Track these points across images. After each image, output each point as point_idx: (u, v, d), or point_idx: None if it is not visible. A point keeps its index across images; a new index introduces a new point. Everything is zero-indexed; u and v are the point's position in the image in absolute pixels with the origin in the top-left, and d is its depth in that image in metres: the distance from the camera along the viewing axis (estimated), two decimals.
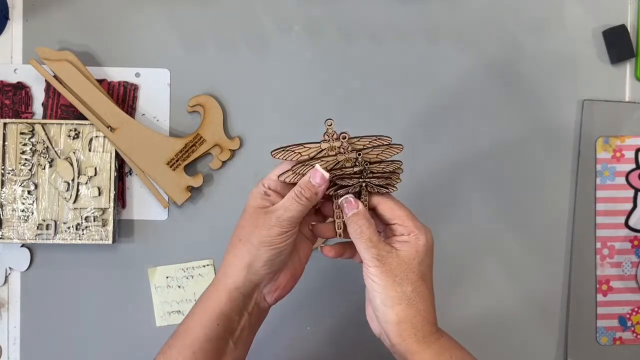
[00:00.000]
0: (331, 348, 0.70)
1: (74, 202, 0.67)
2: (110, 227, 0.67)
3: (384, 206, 0.50)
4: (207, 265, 0.69)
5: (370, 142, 0.50)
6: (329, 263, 0.68)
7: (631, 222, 0.71)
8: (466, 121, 0.71)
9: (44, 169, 0.67)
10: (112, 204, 0.67)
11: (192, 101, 0.69)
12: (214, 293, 0.49)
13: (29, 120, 0.67)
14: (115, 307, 0.69)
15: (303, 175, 0.49)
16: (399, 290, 0.47)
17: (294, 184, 0.49)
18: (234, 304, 0.49)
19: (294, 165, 0.49)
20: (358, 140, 0.50)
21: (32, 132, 0.67)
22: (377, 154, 0.50)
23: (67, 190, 0.67)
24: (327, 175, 0.48)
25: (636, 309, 0.71)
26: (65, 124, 0.67)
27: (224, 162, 0.69)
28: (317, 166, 0.49)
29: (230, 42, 0.70)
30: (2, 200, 0.67)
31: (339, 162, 0.50)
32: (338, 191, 0.50)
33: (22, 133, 0.67)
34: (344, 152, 0.49)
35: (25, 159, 0.67)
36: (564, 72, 0.72)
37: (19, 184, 0.67)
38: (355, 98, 0.70)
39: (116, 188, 0.67)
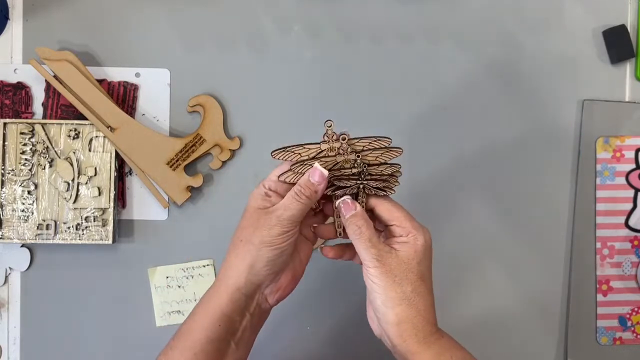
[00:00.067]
0: (331, 348, 0.70)
1: (74, 202, 0.67)
2: (110, 227, 0.67)
3: (382, 207, 0.50)
4: (207, 265, 0.69)
5: (369, 143, 0.50)
6: (329, 264, 0.68)
7: (631, 222, 0.71)
8: (466, 121, 0.71)
9: (44, 169, 0.67)
10: (112, 204, 0.67)
11: (192, 101, 0.69)
12: (215, 294, 0.49)
13: (29, 120, 0.67)
14: (115, 307, 0.69)
15: (303, 174, 0.49)
16: (399, 290, 0.47)
17: (294, 184, 0.49)
18: (236, 305, 0.49)
19: (293, 164, 0.50)
20: (358, 141, 0.50)
21: (32, 132, 0.67)
22: (377, 157, 0.50)
23: (67, 190, 0.67)
24: (326, 173, 0.49)
25: (636, 309, 0.71)
26: (65, 124, 0.67)
27: (224, 162, 0.69)
28: (316, 164, 0.49)
29: (230, 42, 0.70)
30: (2, 200, 0.67)
31: (338, 162, 0.50)
32: (336, 192, 0.50)
33: (22, 133, 0.67)
34: (344, 153, 0.50)
35: (25, 159, 0.67)
36: (564, 72, 0.72)
37: (19, 184, 0.67)
38: (355, 98, 0.70)
39: (116, 188, 0.67)
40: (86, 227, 0.67)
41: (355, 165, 0.50)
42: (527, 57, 0.71)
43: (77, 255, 0.69)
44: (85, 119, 0.67)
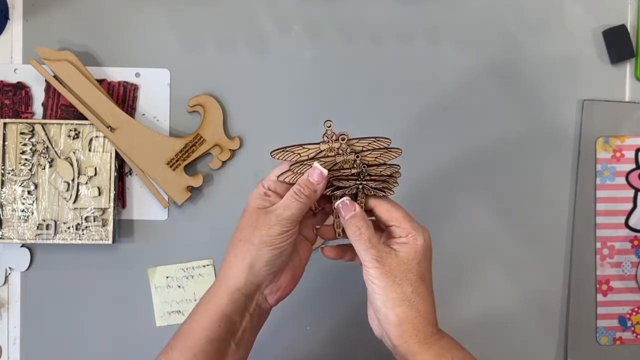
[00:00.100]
0: (331, 348, 0.70)
1: (74, 202, 0.67)
2: (110, 227, 0.67)
3: (381, 208, 0.50)
4: (207, 265, 0.69)
5: (369, 143, 0.50)
6: (329, 264, 0.68)
7: (631, 222, 0.71)
8: (466, 121, 0.71)
9: (44, 169, 0.67)
10: (112, 204, 0.67)
11: (192, 101, 0.69)
12: (215, 294, 0.49)
13: (29, 120, 0.67)
14: (115, 307, 0.69)
15: (302, 174, 0.49)
16: (399, 291, 0.47)
17: (294, 184, 0.49)
18: (236, 305, 0.49)
19: (292, 164, 0.50)
20: (357, 142, 0.50)
21: (32, 132, 0.67)
22: (376, 157, 0.50)
23: (67, 190, 0.67)
24: (325, 172, 0.49)
25: (636, 309, 0.71)
26: (65, 124, 0.67)
27: (224, 162, 0.69)
28: (316, 164, 0.49)
29: (230, 42, 0.70)
30: (2, 200, 0.67)
31: (337, 163, 0.50)
32: (335, 192, 0.50)
33: (22, 133, 0.67)
34: (343, 154, 0.50)
35: (25, 159, 0.67)
36: (564, 72, 0.72)
37: (19, 184, 0.67)
38: (355, 98, 0.70)
39: (116, 188, 0.67)
40: (86, 227, 0.67)
41: (355, 165, 0.50)
42: (527, 57, 0.71)
43: (77, 255, 0.69)
44: (85, 119, 0.67)
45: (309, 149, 0.50)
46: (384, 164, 0.50)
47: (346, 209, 0.49)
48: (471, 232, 0.71)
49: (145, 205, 0.69)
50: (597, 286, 0.71)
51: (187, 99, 0.69)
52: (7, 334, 0.68)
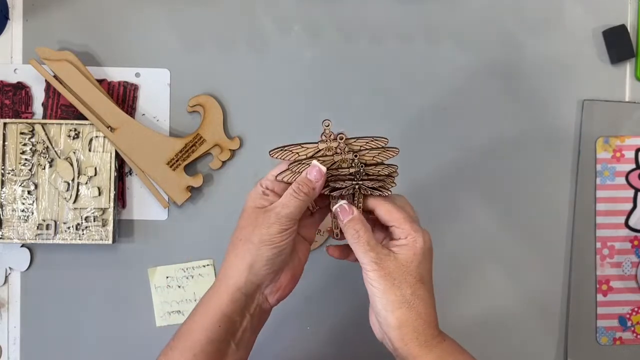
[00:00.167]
0: (332, 348, 0.70)
1: (74, 202, 0.67)
2: (110, 227, 0.67)
3: (382, 208, 0.50)
4: (207, 265, 0.69)
5: (367, 142, 0.50)
6: (329, 265, 0.69)
7: (631, 222, 0.71)
8: (466, 121, 0.71)
9: (44, 169, 0.67)
10: (112, 204, 0.67)
11: (192, 101, 0.69)
12: (215, 295, 0.49)
13: (29, 120, 0.67)
14: (115, 307, 0.69)
15: (300, 173, 0.49)
16: (399, 293, 0.47)
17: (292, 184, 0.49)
18: (236, 305, 0.49)
19: (290, 164, 0.50)
20: (355, 141, 0.50)
21: (32, 132, 0.67)
22: (374, 156, 0.50)
23: (67, 190, 0.67)
24: (324, 169, 0.49)
25: (636, 309, 0.71)
26: (65, 124, 0.67)
27: (224, 162, 0.69)
28: (315, 161, 0.49)
29: (230, 42, 0.70)
30: (2, 200, 0.67)
31: (335, 162, 0.50)
32: (332, 192, 0.50)
33: (22, 133, 0.67)
34: (341, 153, 0.50)
35: (25, 159, 0.67)
36: (564, 72, 0.72)
37: (19, 184, 0.67)
38: (355, 98, 0.70)
39: (116, 188, 0.67)
40: (86, 227, 0.67)
41: (353, 164, 0.50)
42: (527, 57, 0.71)
43: (77, 255, 0.69)
44: (85, 119, 0.67)
45: (308, 148, 0.50)
46: (382, 163, 0.50)
47: (344, 212, 0.49)
48: (471, 232, 0.71)
49: (145, 205, 0.69)
50: (597, 286, 0.71)
51: (187, 99, 0.69)
52: (7, 334, 0.68)
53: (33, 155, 0.67)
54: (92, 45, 0.69)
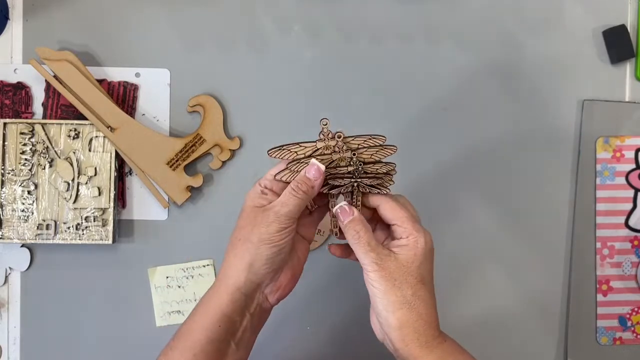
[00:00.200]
0: (332, 348, 0.70)
1: (74, 202, 0.67)
2: (110, 227, 0.67)
3: (386, 206, 0.50)
4: (207, 265, 0.69)
5: (364, 141, 0.50)
6: (329, 265, 0.69)
7: (631, 222, 0.71)
8: (466, 121, 0.71)
9: (44, 169, 0.67)
10: (112, 204, 0.67)
11: (192, 101, 0.69)
12: (215, 294, 0.49)
13: (29, 120, 0.67)
14: (115, 307, 0.69)
15: (299, 172, 0.49)
16: (399, 294, 0.47)
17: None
18: (236, 305, 0.49)
19: (289, 163, 0.50)
20: (353, 139, 0.50)
21: (32, 132, 0.67)
22: (372, 154, 0.50)
23: (67, 190, 0.67)
24: (322, 167, 0.49)
25: (636, 309, 0.71)
26: (65, 124, 0.67)
27: (224, 162, 0.69)
28: (313, 160, 0.49)
29: (230, 42, 0.70)
30: (2, 200, 0.67)
31: (333, 160, 0.50)
32: (331, 191, 0.50)
33: (22, 133, 0.67)
34: (339, 151, 0.50)
35: (25, 159, 0.67)
36: (564, 72, 0.72)
37: (19, 184, 0.67)
38: (355, 98, 0.70)
39: (116, 188, 0.67)
40: (86, 227, 0.67)
41: (351, 163, 0.50)
42: (527, 57, 0.71)
43: (77, 255, 0.69)
44: (85, 119, 0.67)
45: (306, 147, 0.50)
46: (380, 161, 0.50)
47: (344, 213, 0.49)
48: (471, 232, 0.71)
49: (145, 205, 0.69)
50: (597, 286, 0.71)
51: (187, 99, 0.69)
52: (7, 334, 0.68)
53: (33, 155, 0.67)
54: (92, 45, 0.69)
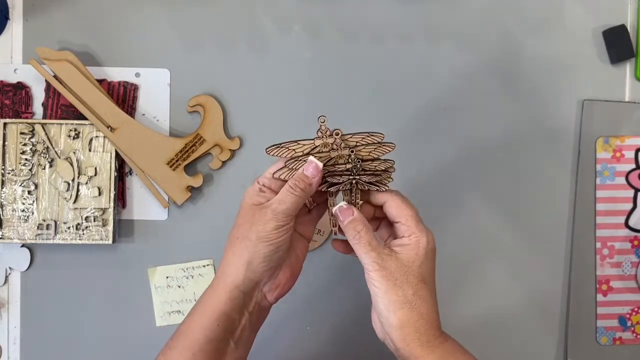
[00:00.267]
0: (332, 348, 0.70)
1: (74, 202, 0.67)
2: (110, 227, 0.67)
3: (392, 203, 0.50)
4: (207, 265, 0.69)
5: (363, 138, 0.50)
6: (330, 264, 0.69)
7: (631, 222, 0.71)
8: (466, 121, 0.71)
9: (44, 169, 0.67)
10: (112, 204, 0.67)
11: (192, 101, 0.69)
12: (213, 293, 0.49)
13: (29, 120, 0.67)
14: (115, 307, 0.69)
15: (297, 170, 0.49)
16: (400, 294, 0.47)
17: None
18: (234, 303, 0.49)
19: (287, 161, 0.50)
20: (351, 137, 0.50)
21: (32, 132, 0.67)
22: (370, 152, 0.50)
23: (67, 190, 0.67)
24: (320, 165, 0.49)
25: (636, 309, 0.71)
26: (65, 124, 0.67)
27: (224, 162, 0.69)
28: (311, 157, 0.49)
29: (230, 42, 0.70)
30: (2, 200, 0.67)
31: (332, 158, 0.50)
32: (330, 188, 0.50)
33: (22, 133, 0.67)
34: (337, 149, 0.50)
35: (25, 159, 0.67)
36: (564, 72, 0.72)
37: (19, 184, 0.67)
38: (355, 98, 0.70)
39: (116, 188, 0.67)
40: (86, 227, 0.67)
41: (349, 160, 0.50)
42: (527, 57, 0.71)
43: (77, 255, 0.69)
44: (85, 119, 0.67)
45: (304, 145, 0.50)
46: (379, 158, 0.50)
47: (344, 213, 0.49)
48: (471, 231, 0.71)
49: (145, 205, 0.69)
50: (597, 286, 0.71)
51: (187, 99, 0.69)
52: (7, 334, 0.68)
53: (33, 155, 0.67)
54: (92, 45, 0.69)
